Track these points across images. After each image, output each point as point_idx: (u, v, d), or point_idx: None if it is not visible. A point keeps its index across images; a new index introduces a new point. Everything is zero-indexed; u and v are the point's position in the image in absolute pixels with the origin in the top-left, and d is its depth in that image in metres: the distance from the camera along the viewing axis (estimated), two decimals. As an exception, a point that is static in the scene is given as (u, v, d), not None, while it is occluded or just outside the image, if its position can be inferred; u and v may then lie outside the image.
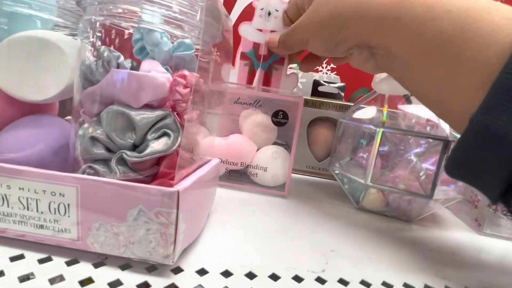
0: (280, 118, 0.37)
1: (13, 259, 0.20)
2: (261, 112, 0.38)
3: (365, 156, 0.36)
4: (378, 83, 0.34)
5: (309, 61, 0.38)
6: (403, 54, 0.25)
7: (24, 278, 0.19)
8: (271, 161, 0.37)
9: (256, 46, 0.38)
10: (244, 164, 0.38)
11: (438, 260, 0.28)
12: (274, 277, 0.22)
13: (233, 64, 0.39)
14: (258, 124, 0.38)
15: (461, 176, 0.23)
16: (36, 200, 0.20)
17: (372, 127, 0.34)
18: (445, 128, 0.32)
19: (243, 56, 0.38)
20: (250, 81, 0.39)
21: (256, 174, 0.37)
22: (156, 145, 0.21)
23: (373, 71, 0.30)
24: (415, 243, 0.31)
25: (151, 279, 0.20)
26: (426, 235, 0.34)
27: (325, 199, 0.40)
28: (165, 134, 0.22)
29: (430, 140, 0.32)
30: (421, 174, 0.33)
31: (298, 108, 0.35)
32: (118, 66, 0.21)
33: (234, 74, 0.39)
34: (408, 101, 0.35)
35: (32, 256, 0.21)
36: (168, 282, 0.20)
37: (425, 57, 0.23)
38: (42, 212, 0.20)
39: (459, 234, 0.35)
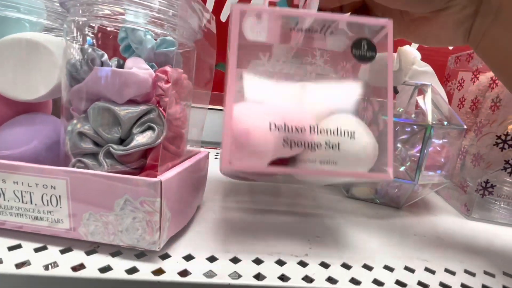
0: (364, 50, 0.24)
1: (10, 248, 0.22)
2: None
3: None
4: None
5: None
6: None
7: (20, 265, 0.20)
8: (359, 122, 0.23)
9: None
10: (314, 129, 0.22)
11: (422, 244, 0.29)
12: (258, 261, 0.23)
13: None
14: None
15: None
16: (30, 193, 0.22)
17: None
18: (429, 116, 0.32)
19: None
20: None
21: (338, 144, 0.22)
22: (141, 138, 0.22)
23: (458, 40, 0.25)
24: (402, 229, 0.32)
25: (139, 264, 0.21)
26: (413, 221, 0.34)
27: (316, 189, 0.41)
28: (149, 128, 0.23)
29: (415, 127, 0.33)
30: (406, 160, 0.34)
31: (388, 36, 0.23)
32: (102, 64, 0.22)
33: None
34: (394, 90, 0.36)
35: (28, 246, 0.22)
36: (155, 267, 0.21)
37: None
38: (36, 204, 0.22)
39: (447, 219, 0.36)
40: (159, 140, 0.23)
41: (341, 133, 0.22)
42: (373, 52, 0.24)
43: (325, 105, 0.24)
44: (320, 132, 0.22)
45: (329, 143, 0.22)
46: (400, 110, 0.37)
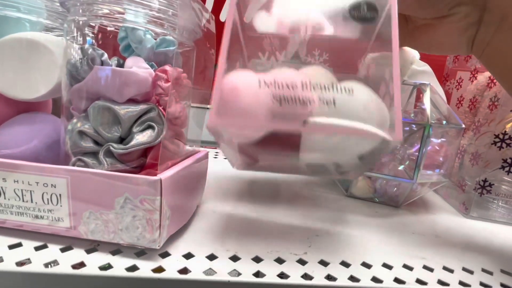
0: (364, 11, 0.23)
1: (11, 247, 0.22)
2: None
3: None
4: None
5: None
6: None
7: (20, 263, 0.20)
8: (361, 84, 0.20)
9: None
10: (306, 85, 0.20)
11: (420, 242, 0.29)
12: (257, 259, 0.23)
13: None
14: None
15: None
16: (30, 191, 0.22)
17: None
18: (428, 115, 0.32)
19: None
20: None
21: (333, 100, 0.19)
22: (141, 137, 0.23)
23: (462, 48, 0.25)
24: (400, 227, 0.32)
25: (139, 262, 0.21)
26: (412, 220, 0.34)
27: (315, 188, 0.41)
28: (149, 127, 0.23)
29: (414, 126, 0.33)
30: (405, 159, 0.34)
31: (392, 11, 0.20)
32: (102, 63, 0.22)
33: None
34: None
35: (29, 244, 0.22)
36: (155, 265, 0.21)
37: None
38: (36, 203, 0.22)
39: (445, 218, 0.36)
40: (159, 139, 0.23)
41: (337, 89, 0.19)
42: (374, 12, 0.22)
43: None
44: (314, 87, 0.20)
45: (323, 99, 0.19)
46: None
